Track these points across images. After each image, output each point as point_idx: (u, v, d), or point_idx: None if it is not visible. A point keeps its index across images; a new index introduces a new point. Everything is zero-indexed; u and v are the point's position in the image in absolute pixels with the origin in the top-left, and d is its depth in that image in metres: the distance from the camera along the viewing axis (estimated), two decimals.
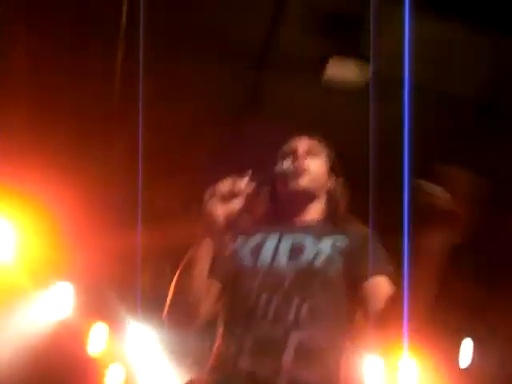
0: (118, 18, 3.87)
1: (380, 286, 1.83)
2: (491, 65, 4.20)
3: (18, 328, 5.18)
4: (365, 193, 2.27)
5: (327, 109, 4.41)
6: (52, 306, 5.72)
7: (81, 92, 4.17)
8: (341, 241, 1.96)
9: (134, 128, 4.57)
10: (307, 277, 1.87)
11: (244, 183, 1.89)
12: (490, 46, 4.01)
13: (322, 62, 3.99)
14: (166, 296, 1.94)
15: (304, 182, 2.04)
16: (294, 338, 1.79)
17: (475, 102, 4.55)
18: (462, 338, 6.39)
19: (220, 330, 1.94)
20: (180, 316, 1.93)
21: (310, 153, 2.12)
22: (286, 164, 2.07)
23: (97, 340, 6.22)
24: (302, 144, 2.14)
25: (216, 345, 1.93)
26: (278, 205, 2.12)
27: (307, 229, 2.02)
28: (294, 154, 2.10)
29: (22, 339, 5.19)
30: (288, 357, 1.76)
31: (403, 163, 1.72)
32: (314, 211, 2.09)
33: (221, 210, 1.86)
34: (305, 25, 3.87)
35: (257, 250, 1.97)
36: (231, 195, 1.88)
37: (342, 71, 4.02)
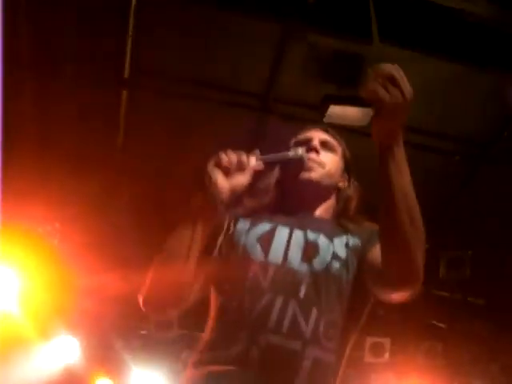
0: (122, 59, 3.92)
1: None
2: (492, 104, 4.23)
3: (21, 379, 5.10)
4: None
5: None
6: (56, 358, 5.64)
7: (84, 137, 4.21)
8: (353, 241, 1.78)
9: (138, 176, 4.60)
10: (324, 283, 1.70)
11: (252, 159, 1.71)
12: (489, 85, 4.04)
13: (323, 106, 4.01)
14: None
15: (317, 174, 1.85)
16: (310, 355, 1.62)
17: (477, 142, 4.57)
18: (475, 381, 6.28)
19: (215, 319, 1.73)
20: (165, 294, 1.68)
21: (325, 146, 1.93)
22: (301, 151, 1.83)
23: None
24: (319, 135, 1.95)
25: (208, 337, 1.71)
26: (284, 195, 1.92)
27: (317, 225, 1.81)
28: (308, 143, 1.90)
29: None
30: (303, 375, 1.60)
31: None
32: (323, 209, 1.90)
33: (225, 183, 1.66)
34: (306, 68, 3.91)
35: (266, 240, 1.75)
36: (237, 169, 1.68)
37: (343, 115, 4.04)
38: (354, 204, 1.93)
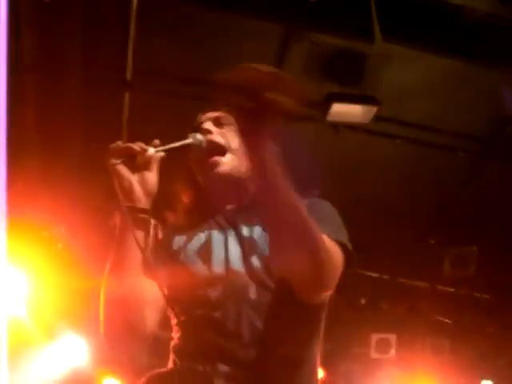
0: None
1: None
2: (494, 100, 4.23)
3: (29, 381, 5.12)
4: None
5: (333, 151, 4.44)
6: (63, 359, 5.66)
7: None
8: None
9: None
10: (268, 277, 1.55)
11: (150, 148, 1.54)
12: (491, 81, 4.05)
13: (326, 105, 4.01)
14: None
15: (223, 168, 1.65)
16: (275, 357, 1.52)
17: (480, 138, 4.57)
18: (482, 378, 6.29)
19: (176, 337, 1.62)
20: (124, 329, 1.52)
21: (218, 123, 1.70)
22: (199, 135, 1.62)
23: None
24: (209, 116, 1.71)
25: (174, 351, 1.60)
26: (201, 189, 1.73)
27: (249, 216, 1.63)
28: (199, 128, 1.68)
29: None
30: (272, 379, 1.50)
31: None
32: (245, 194, 1.68)
33: (138, 186, 1.52)
34: (309, 66, 3.91)
35: (205, 252, 1.61)
36: (140, 163, 1.52)
37: (345, 113, 4.05)
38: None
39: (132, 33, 3.73)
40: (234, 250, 1.60)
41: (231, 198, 1.70)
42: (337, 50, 3.82)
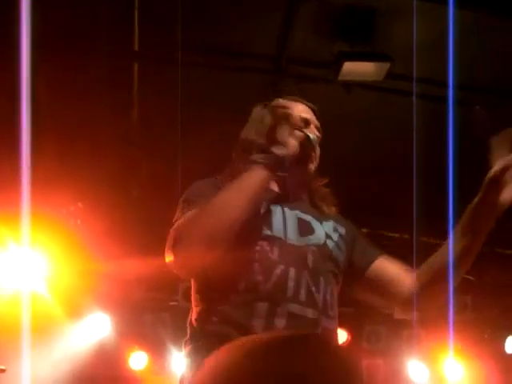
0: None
1: (388, 262, 1.84)
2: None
3: (54, 358, 5.19)
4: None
5: (346, 109, 4.38)
6: (89, 335, 5.72)
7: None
8: (340, 227, 1.85)
9: (155, 149, 4.59)
10: (324, 257, 1.74)
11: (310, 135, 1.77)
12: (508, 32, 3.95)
13: (337, 64, 3.95)
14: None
15: (313, 167, 1.86)
16: (321, 324, 1.64)
17: (496, 91, 4.48)
18: (508, 334, 6.28)
19: (223, 291, 1.65)
20: (209, 237, 1.55)
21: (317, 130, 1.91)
22: (314, 138, 1.80)
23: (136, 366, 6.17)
24: (312, 118, 1.91)
25: (219, 309, 1.63)
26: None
27: (303, 207, 1.83)
28: (307, 126, 1.86)
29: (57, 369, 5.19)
30: None
31: None
32: (301, 189, 1.90)
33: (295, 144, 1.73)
34: (317, 26, 3.84)
35: (265, 216, 1.72)
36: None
37: (358, 71, 3.98)
38: (319, 179, 1.94)
39: (136, 2, 3.67)
40: (291, 223, 1.74)
41: (293, 188, 1.85)
42: (345, 8, 3.74)
